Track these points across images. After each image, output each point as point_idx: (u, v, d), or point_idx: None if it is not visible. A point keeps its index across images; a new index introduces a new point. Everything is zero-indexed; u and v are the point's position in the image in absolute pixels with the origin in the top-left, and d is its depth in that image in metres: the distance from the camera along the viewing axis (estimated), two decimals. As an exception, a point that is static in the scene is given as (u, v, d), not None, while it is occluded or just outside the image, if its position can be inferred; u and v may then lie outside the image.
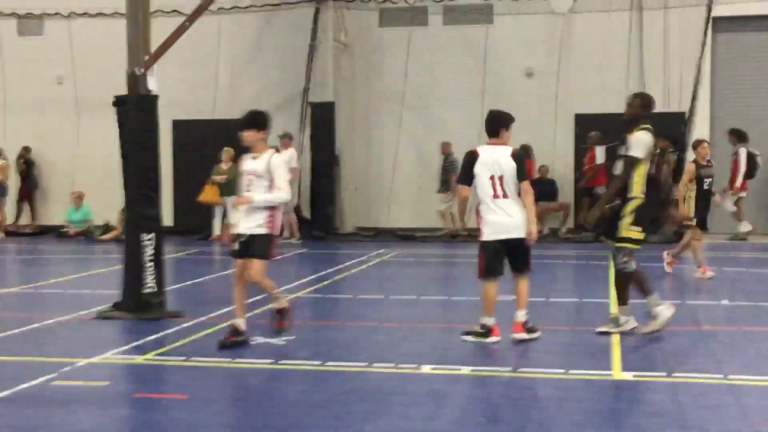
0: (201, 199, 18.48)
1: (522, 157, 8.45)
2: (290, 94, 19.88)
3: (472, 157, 8.31)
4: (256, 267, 8.10)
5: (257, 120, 8.39)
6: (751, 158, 17.33)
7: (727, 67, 18.76)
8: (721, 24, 18.44)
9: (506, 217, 8.21)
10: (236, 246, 8.23)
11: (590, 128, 18.44)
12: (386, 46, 20.03)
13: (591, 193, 17.88)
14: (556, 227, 18.70)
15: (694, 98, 18.20)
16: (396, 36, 19.88)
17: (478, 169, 8.27)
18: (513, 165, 8.25)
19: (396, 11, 19.72)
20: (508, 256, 8.38)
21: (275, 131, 18.86)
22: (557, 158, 19.00)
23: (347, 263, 14.77)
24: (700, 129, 18.13)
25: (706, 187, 12.64)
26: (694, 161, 12.88)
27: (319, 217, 19.12)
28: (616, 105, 18.40)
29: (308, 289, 11.94)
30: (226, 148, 18.49)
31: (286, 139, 18.36)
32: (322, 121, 19.16)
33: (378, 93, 20.05)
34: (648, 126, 8.41)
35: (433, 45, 19.75)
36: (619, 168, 8.49)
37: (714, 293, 11.31)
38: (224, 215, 18.21)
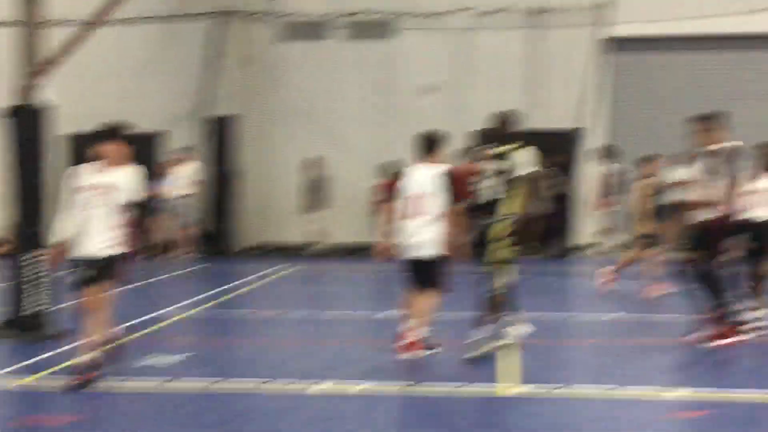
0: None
1: (451, 176, 8.32)
2: (192, 107, 19.60)
3: (398, 176, 8.50)
4: (105, 293, 7.38)
5: (121, 131, 7.73)
6: (615, 175, 17.80)
7: (622, 85, 19.26)
8: (617, 44, 18.92)
9: (409, 238, 8.24)
10: (81, 272, 7.38)
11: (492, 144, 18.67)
12: (289, 61, 19.94)
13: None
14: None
15: (589, 116, 18.61)
16: (299, 50, 19.81)
17: (402, 187, 8.39)
18: (438, 184, 8.21)
19: (299, 26, 19.65)
20: (414, 274, 8.37)
21: (177, 144, 18.77)
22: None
23: (246, 279, 14.59)
24: (596, 146, 18.55)
25: (660, 203, 12.41)
26: (647, 177, 12.63)
27: (219, 232, 18.87)
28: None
29: (205, 306, 11.75)
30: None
31: (189, 153, 18.14)
32: (223, 135, 18.96)
33: (280, 107, 19.93)
34: (523, 143, 8.44)
35: (336, 60, 19.75)
36: (497, 186, 8.39)
37: (607, 305, 11.55)
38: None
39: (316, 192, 18.67)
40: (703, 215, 8.78)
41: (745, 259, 9.44)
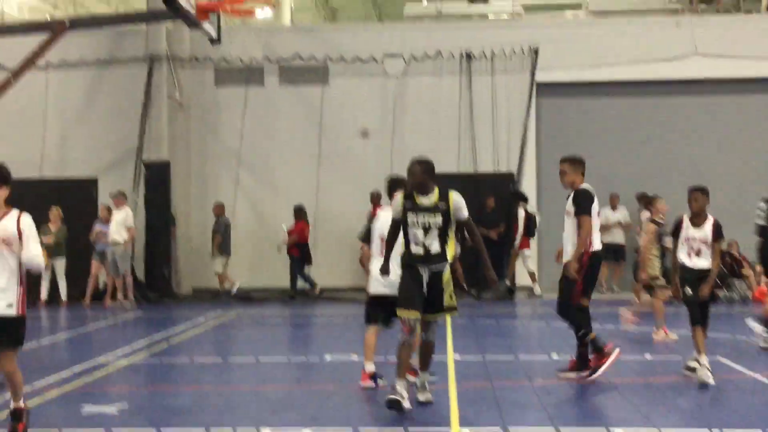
0: (27, 261, 17.65)
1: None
2: (123, 152, 19.44)
3: (371, 218, 8.78)
4: (11, 357, 6.74)
5: (3, 174, 6.79)
6: (529, 218, 18.25)
7: (550, 130, 19.74)
8: (544, 89, 19.43)
9: (376, 276, 8.57)
10: None
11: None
12: (222, 105, 19.96)
13: None
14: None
15: (521, 159, 18.99)
16: (232, 95, 19.84)
17: (373, 229, 8.91)
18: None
19: (232, 70, 19.70)
20: (379, 309, 8.71)
21: (108, 190, 18.56)
22: (393, 217, 19.30)
23: (184, 326, 14.43)
24: (528, 189, 18.95)
25: (666, 245, 12.22)
26: (653, 219, 12.40)
27: (154, 278, 18.62)
28: (449, 165, 19.16)
29: (143, 354, 11.57)
30: (54, 208, 17.88)
31: (120, 198, 17.94)
32: (156, 180, 18.79)
33: (214, 152, 19.90)
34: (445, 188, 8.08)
35: (270, 104, 19.84)
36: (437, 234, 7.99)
37: (546, 348, 11.72)
38: (53, 277, 17.52)
39: (219, 236, 18.68)
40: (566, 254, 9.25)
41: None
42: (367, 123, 19.68)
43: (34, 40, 14.06)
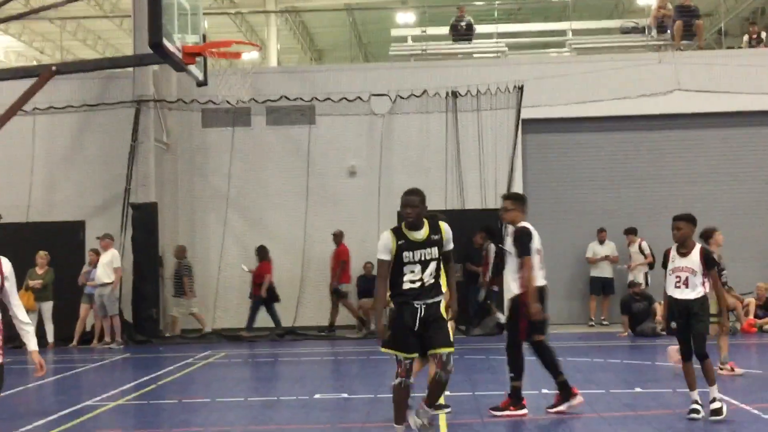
0: (15, 305, 17.58)
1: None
2: (111, 195, 19.45)
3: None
4: None
5: None
6: (498, 254, 18.29)
7: (536, 165, 19.88)
8: (529, 126, 19.58)
9: None
10: None
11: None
12: (210, 147, 20.03)
13: (338, 290, 18.57)
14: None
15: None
16: (219, 136, 19.92)
17: None
18: None
19: (219, 112, 19.79)
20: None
21: (96, 233, 18.54)
22: (382, 255, 19.31)
23: (172, 367, 14.35)
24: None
25: (724, 279, 12.13)
26: (706, 250, 11.95)
27: (142, 320, 18.53)
28: (437, 202, 19.22)
29: (131, 396, 11.50)
30: (41, 252, 17.85)
31: (107, 240, 17.95)
32: (144, 222, 18.75)
33: (202, 193, 19.93)
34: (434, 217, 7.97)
35: (257, 145, 19.92)
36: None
37: (536, 383, 11.70)
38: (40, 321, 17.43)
39: (188, 279, 18.79)
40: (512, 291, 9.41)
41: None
42: (355, 162, 19.78)
43: (20, 85, 14.12)
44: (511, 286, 9.41)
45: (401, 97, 19.50)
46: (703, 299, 8.92)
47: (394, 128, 19.74)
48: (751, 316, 17.59)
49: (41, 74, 12.69)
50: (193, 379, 13.36)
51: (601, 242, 19.20)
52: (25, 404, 11.34)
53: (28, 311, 18.90)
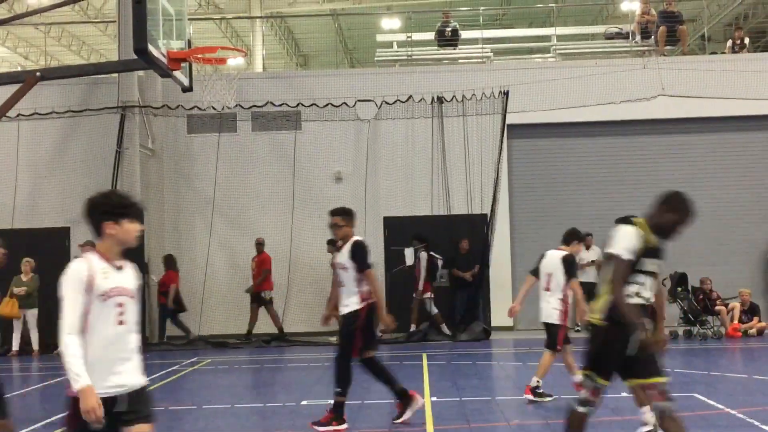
0: (0, 312, 17.50)
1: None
2: (96, 201, 19.33)
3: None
4: None
5: None
6: (431, 261, 18.35)
7: (522, 170, 19.94)
8: (515, 131, 19.64)
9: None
10: None
11: (399, 231, 19.12)
12: (195, 152, 19.99)
13: (259, 297, 18.57)
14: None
15: (494, 200, 19.12)
16: (205, 142, 19.89)
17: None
18: None
19: (204, 118, 19.74)
20: None
21: (81, 239, 18.43)
22: (368, 260, 19.32)
23: (158, 374, 14.28)
24: (501, 229, 19.03)
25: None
26: None
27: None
28: (423, 208, 19.31)
29: (117, 404, 11.43)
30: (26, 259, 17.75)
31: (88, 247, 17.83)
32: (129, 228, 18.63)
33: (188, 199, 19.88)
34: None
35: (243, 151, 19.90)
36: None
37: (523, 388, 11.72)
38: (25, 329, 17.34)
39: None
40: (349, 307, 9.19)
41: None
42: (341, 167, 19.79)
43: (4, 91, 14.05)
44: (348, 301, 9.13)
45: (387, 103, 19.51)
46: None
47: (380, 134, 19.76)
48: (736, 321, 17.68)
49: (26, 80, 12.63)
50: (180, 386, 13.31)
51: (587, 247, 19.23)
52: (12, 413, 11.25)
53: (13, 319, 18.80)
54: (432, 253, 18.37)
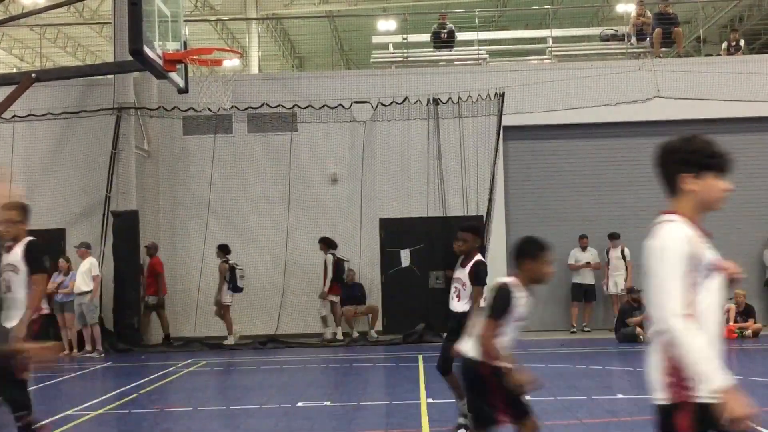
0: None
1: None
2: (91, 203, 19.37)
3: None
4: None
5: None
6: (338, 264, 18.42)
7: (517, 172, 19.95)
8: (510, 132, 19.64)
9: None
10: None
11: (395, 232, 19.17)
12: (191, 154, 19.97)
13: (145, 302, 18.73)
14: (365, 330, 18.91)
15: (490, 202, 19.13)
16: (201, 144, 19.87)
17: None
18: None
19: (200, 119, 19.72)
20: None
21: (76, 240, 18.43)
22: (364, 262, 19.36)
23: (154, 375, 14.28)
24: (497, 230, 19.04)
25: None
26: None
27: (123, 328, 18.42)
28: (419, 209, 19.31)
29: (113, 405, 11.44)
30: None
31: (84, 249, 17.82)
32: (124, 229, 18.66)
33: (183, 201, 19.86)
34: None
35: (239, 152, 19.88)
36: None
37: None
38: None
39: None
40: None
41: None
42: (336, 169, 19.78)
43: (0, 92, 14.04)
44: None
45: (383, 104, 19.51)
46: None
47: (376, 135, 19.76)
48: (731, 323, 17.71)
49: (21, 81, 12.64)
50: (175, 388, 13.30)
51: (583, 249, 19.28)
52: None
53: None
54: (339, 256, 18.56)
